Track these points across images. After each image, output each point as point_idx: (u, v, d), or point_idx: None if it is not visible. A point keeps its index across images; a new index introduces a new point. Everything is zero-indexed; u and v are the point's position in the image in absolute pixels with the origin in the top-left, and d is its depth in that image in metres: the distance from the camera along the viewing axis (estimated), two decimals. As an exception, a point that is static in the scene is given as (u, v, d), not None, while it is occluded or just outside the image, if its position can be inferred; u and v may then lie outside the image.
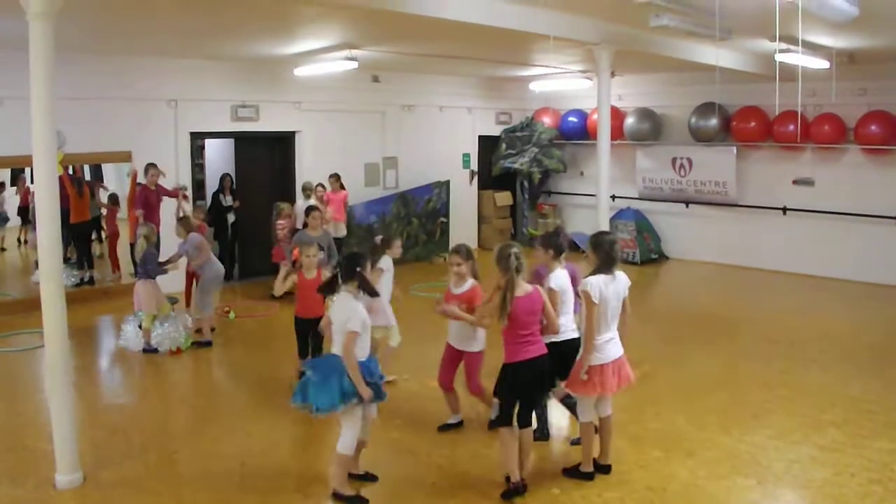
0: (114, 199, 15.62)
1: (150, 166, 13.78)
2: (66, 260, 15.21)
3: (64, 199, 13.58)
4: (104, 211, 15.73)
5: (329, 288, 7.23)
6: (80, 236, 15.27)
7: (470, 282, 8.14)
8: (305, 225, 12.16)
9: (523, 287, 6.94)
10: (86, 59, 13.26)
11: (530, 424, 7.35)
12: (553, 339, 7.39)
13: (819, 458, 7.83)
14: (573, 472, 7.53)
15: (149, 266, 11.49)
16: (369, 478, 7.36)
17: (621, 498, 7.05)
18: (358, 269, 6.93)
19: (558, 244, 7.86)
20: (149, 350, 11.36)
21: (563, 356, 7.41)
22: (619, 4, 10.09)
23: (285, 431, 8.56)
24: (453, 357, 8.37)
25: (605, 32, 11.87)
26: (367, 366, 6.90)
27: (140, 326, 11.47)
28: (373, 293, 7.15)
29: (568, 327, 7.73)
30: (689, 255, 19.17)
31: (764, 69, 14.52)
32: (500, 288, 6.88)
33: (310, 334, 9.20)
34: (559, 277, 7.71)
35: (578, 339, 7.53)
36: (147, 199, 13.66)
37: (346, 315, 6.75)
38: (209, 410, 9.40)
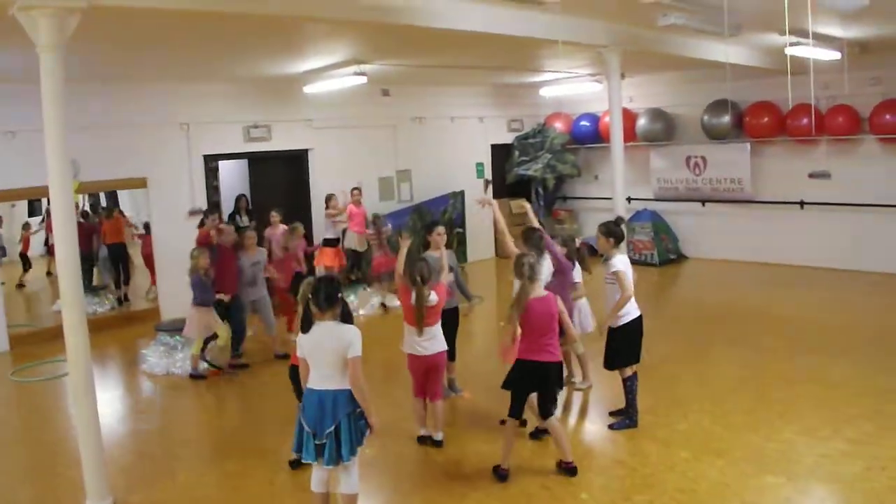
0: (147, 227, 15.67)
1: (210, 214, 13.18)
2: (99, 287, 15.96)
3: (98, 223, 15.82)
4: (135, 236, 16.37)
5: (307, 323, 6.43)
6: (114, 256, 16.23)
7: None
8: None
9: (538, 291, 7.39)
10: (96, 87, 13.36)
11: (550, 415, 7.69)
12: (622, 322, 8.51)
13: (849, 453, 7.78)
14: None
15: (196, 292, 11.32)
16: None
17: (651, 500, 7.03)
18: (339, 294, 6.38)
19: (618, 232, 8.67)
20: (196, 376, 11.32)
21: (630, 334, 8.59)
22: (626, 5, 10.07)
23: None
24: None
25: (614, 34, 11.85)
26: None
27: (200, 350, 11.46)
28: (351, 321, 6.45)
29: (633, 306, 8.58)
30: (708, 254, 19.10)
31: (775, 63, 14.44)
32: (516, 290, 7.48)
33: None
34: (621, 261, 8.57)
35: (641, 317, 8.68)
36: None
37: (346, 341, 6.19)
38: (237, 432, 9.41)
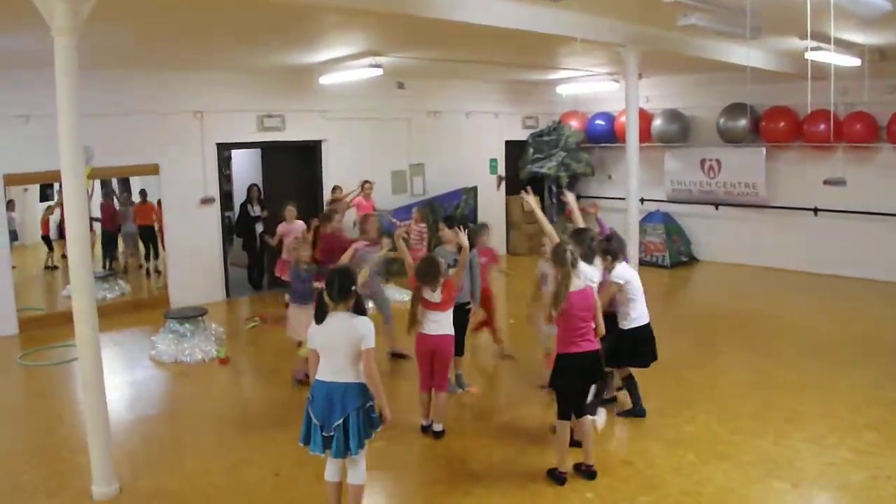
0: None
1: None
2: (110, 274, 16.23)
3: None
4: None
5: (321, 314, 6.41)
6: (144, 236, 17.24)
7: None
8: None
9: (576, 283, 7.25)
10: (111, 74, 13.39)
11: (585, 414, 7.61)
12: (630, 326, 8.73)
13: (854, 461, 7.75)
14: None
15: (293, 286, 10.48)
16: None
17: (655, 501, 7.03)
18: (353, 287, 6.39)
19: (613, 251, 8.74)
20: (301, 381, 10.21)
21: (637, 340, 8.77)
22: (646, 4, 10.04)
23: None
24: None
25: (632, 33, 11.80)
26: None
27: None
28: (364, 312, 6.46)
29: (641, 313, 8.80)
30: (720, 258, 19.04)
31: (793, 68, 14.40)
32: (557, 281, 7.30)
33: None
34: (621, 272, 8.66)
35: (649, 324, 8.84)
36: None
37: (359, 333, 6.22)
38: (243, 419, 9.42)
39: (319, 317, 6.39)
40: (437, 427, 8.56)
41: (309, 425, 6.35)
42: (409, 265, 8.78)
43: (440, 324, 8.41)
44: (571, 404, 7.45)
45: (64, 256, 16.25)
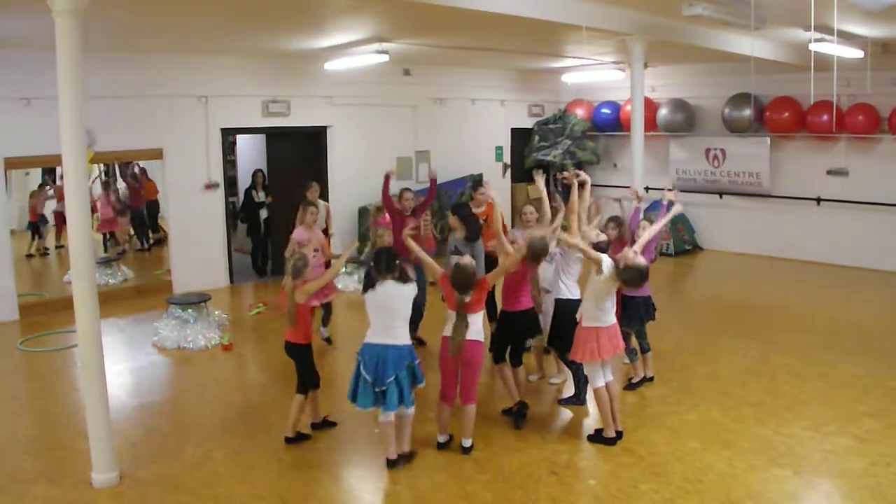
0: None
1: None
2: (112, 259, 16.47)
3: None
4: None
5: (369, 283, 7.45)
6: (150, 211, 18.57)
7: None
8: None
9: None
10: (115, 57, 13.28)
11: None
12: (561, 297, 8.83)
13: (855, 449, 7.79)
14: (596, 438, 8.13)
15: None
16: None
17: (658, 489, 7.04)
18: (397, 261, 7.47)
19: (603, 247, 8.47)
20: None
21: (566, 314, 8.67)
22: (652, -6, 10.05)
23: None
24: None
25: (639, 23, 11.79)
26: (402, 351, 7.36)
27: None
28: (409, 280, 7.52)
29: (574, 287, 8.87)
30: (723, 246, 19.06)
31: (798, 59, 14.40)
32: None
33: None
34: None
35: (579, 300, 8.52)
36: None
37: (408, 294, 7.44)
38: (245, 406, 9.43)
39: (367, 286, 7.45)
40: (466, 443, 7.86)
41: (357, 383, 7.32)
42: (431, 266, 8.13)
43: (471, 328, 7.57)
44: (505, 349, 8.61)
45: (60, 246, 16.46)
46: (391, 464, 7.47)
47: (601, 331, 7.83)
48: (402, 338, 7.36)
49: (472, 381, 7.81)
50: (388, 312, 7.33)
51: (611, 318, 7.96)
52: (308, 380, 8.17)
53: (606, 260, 7.83)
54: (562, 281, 8.79)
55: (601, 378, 7.98)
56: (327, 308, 11.57)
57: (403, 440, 7.63)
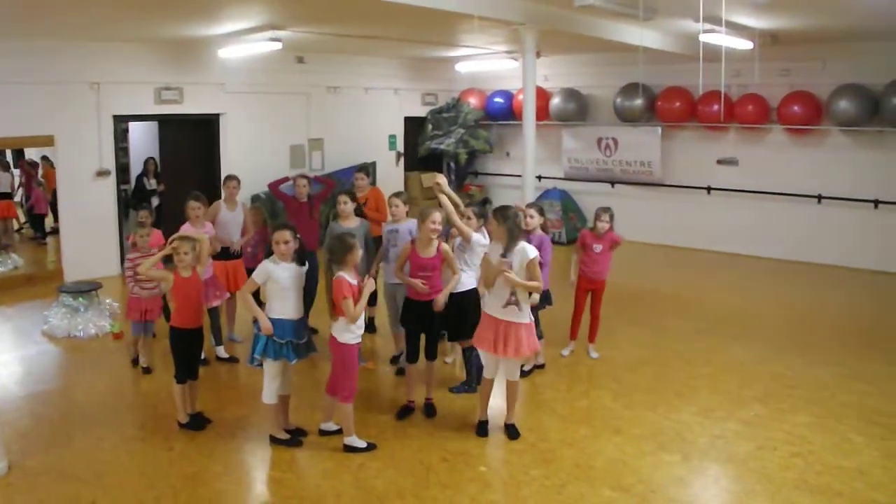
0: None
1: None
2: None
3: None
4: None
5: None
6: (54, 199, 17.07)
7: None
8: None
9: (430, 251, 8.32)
10: (3, 44, 13.00)
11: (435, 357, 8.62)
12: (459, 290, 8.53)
13: (742, 433, 7.97)
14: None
15: None
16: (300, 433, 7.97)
17: (548, 475, 7.09)
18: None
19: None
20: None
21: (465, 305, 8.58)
22: (544, -16, 10.10)
23: (214, 412, 8.45)
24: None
25: (530, 12, 11.84)
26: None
27: None
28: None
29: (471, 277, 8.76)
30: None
31: (688, 49, 14.63)
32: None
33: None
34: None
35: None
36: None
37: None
38: (136, 395, 9.29)
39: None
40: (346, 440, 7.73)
41: (265, 345, 7.43)
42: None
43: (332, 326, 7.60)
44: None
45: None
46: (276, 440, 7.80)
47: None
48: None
49: (336, 376, 7.64)
50: (292, 293, 7.59)
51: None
52: (178, 366, 8.05)
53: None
54: (463, 271, 8.76)
55: (494, 369, 7.96)
56: (215, 314, 10.40)
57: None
